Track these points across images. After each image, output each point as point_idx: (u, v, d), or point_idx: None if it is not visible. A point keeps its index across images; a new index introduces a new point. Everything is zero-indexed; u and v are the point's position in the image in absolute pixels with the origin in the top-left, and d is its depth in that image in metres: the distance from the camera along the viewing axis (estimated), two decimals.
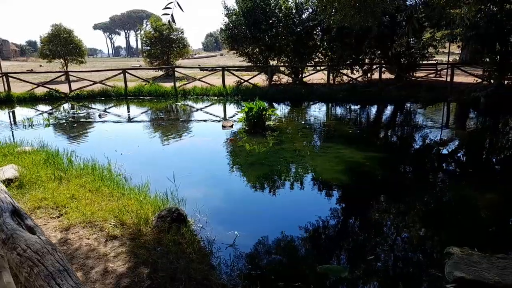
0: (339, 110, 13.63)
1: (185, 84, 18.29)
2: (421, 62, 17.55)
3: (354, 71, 18.04)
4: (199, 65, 32.15)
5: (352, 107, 13.95)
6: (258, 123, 9.38)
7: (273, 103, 14.30)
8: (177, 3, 2.56)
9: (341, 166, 6.43)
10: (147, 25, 32.83)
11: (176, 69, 19.58)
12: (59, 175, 5.25)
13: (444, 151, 7.83)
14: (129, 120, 12.16)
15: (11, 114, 13.60)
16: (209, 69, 23.58)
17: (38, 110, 14.03)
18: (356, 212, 4.78)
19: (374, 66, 17.92)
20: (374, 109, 13.73)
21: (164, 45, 25.63)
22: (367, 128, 10.46)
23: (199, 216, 4.23)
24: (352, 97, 14.98)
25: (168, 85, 18.06)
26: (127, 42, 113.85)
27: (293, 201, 5.08)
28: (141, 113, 13.67)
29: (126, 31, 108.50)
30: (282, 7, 16.65)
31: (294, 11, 16.93)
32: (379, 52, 17.56)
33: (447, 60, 21.12)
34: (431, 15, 11.67)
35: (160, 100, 16.38)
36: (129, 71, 18.66)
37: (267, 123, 9.77)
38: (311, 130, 9.90)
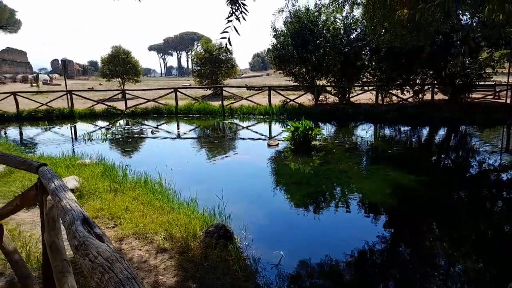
0: (388, 131, 13.23)
1: (232, 102, 18.76)
2: (477, 83, 16.64)
3: (405, 92, 17.50)
4: (246, 84, 32.88)
5: (402, 128, 13.48)
6: (303, 143, 9.36)
7: (319, 123, 14.21)
8: (234, 27, 2.70)
9: (389, 189, 6.21)
10: (197, 46, 34.33)
11: (224, 88, 20.18)
12: (114, 187, 5.57)
13: (504, 177, 7.30)
14: (179, 136, 12.65)
15: (73, 128, 14.70)
16: (256, 88, 24.02)
17: (97, 126, 15.04)
18: (405, 238, 4.57)
19: (426, 87, 17.28)
20: (425, 131, 13.16)
21: (214, 65, 26.57)
22: (418, 151, 10.03)
23: (244, 234, 4.27)
24: (402, 118, 14.49)
25: (216, 103, 18.62)
26: (179, 62, 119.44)
27: (338, 223, 4.98)
28: (190, 130, 14.18)
29: (178, 52, 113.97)
30: (330, 28, 16.70)
31: (342, 31, 16.90)
32: (432, 72, 16.94)
33: (507, 81, 19.84)
34: (489, 34, 11.12)
35: (208, 118, 16.90)
36: (180, 90, 19.54)
37: (313, 142, 9.72)
38: (358, 151, 9.69)
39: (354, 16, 16.34)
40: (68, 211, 1.54)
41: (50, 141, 11.60)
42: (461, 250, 4.14)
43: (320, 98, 17.96)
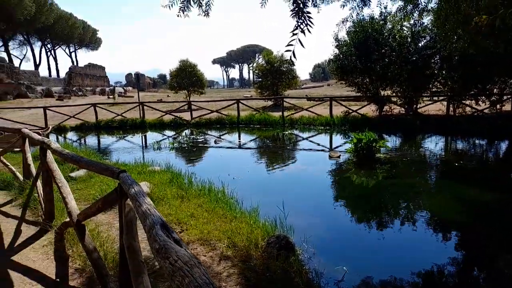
0: (460, 145, 12.29)
1: (292, 113, 18.78)
2: None
3: (480, 102, 16.15)
4: (306, 95, 32.75)
5: (477, 141, 12.44)
6: (367, 155, 9.05)
7: (383, 135, 13.63)
8: (299, 40, 2.73)
9: (461, 207, 5.75)
10: (259, 58, 35.03)
11: (284, 99, 20.31)
12: (181, 194, 5.85)
13: None
14: (240, 146, 12.95)
15: (143, 137, 15.76)
16: (316, 99, 23.84)
17: (165, 135, 15.96)
18: (480, 263, 4.18)
19: (505, 97, 15.79)
20: (504, 145, 11.99)
21: (275, 76, 26.89)
22: (496, 166, 9.17)
23: (306, 246, 4.22)
24: (476, 131, 13.37)
25: (276, 114, 18.78)
26: (240, 74, 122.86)
27: (404, 241, 4.71)
28: (251, 140, 14.44)
29: (240, 64, 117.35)
30: (397, 36, 16.06)
31: (409, 39, 16.16)
32: None
33: None
34: None
35: (268, 129, 17.08)
36: (242, 101, 20.05)
37: (377, 155, 9.35)
38: (426, 165, 9.13)
39: (423, 23, 15.56)
40: (148, 215, 1.67)
41: (124, 149, 12.57)
42: None
43: (384, 109, 17.27)
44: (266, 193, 6.81)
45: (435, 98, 17.24)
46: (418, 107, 17.27)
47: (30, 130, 6.31)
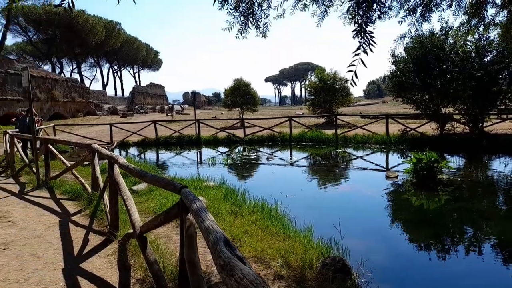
0: None
1: (346, 131, 18.40)
2: None
3: None
4: (360, 112, 31.97)
5: None
6: (427, 176, 8.55)
7: (445, 155, 12.85)
8: (361, 60, 2.71)
9: None
10: (312, 76, 35.02)
11: (337, 116, 20.00)
12: (235, 210, 5.94)
13: None
14: (292, 164, 12.90)
15: (198, 153, 16.32)
16: (371, 116, 23.16)
17: (219, 151, 16.40)
18: None
19: None
20: None
21: (327, 93, 26.64)
22: None
23: (363, 270, 4.06)
24: None
25: (329, 132, 18.51)
26: (292, 91, 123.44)
27: (470, 272, 4.35)
28: (303, 158, 14.34)
29: (292, 81, 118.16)
30: (459, 51, 15.22)
31: (473, 54, 15.24)
32: None
33: None
34: None
35: (321, 146, 16.86)
36: (294, 118, 20.08)
37: (439, 176, 8.82)
38: (495, 188, 8.42)
39: (489, 37, 14.63)
40: (211, 231, 1.72)
41: (181, 164, 13.10)
42: None
43: (446, 127, 16.28)
44: (320, 212, 6.68)
45: (504, 116, 15.96)
46: (484, 125, 16.08)
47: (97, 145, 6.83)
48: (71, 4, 2.93)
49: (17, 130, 12.66)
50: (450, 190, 7.90)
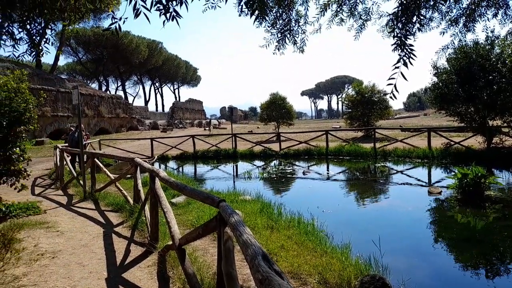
0: None
1: (385, 145, 17.87)
2: None
3: None
4: (400, 125, 30.99)
5: None
6: (474, 192, 8.10)
7: (493, 170, 12.12)
8: (401, 73, 2.67)
9: None
10: (349, 89, 34.54)
11: (376, 130, 19.51)
12: (271, 224, 5.93)
13: None
14: (329, 178, 12.70)
15: (235, 167, 16.50)
16: (412, 129, 22.38)
17: (255, 165, 16.48)
18: None
19: None
20: None
21: (366, 107, 26.13)
22: None
23: None
24: None
25: (367, 145, 18.07)
26: (329, 105, 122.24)
27: None
28: (340, 172, 14.07)
29: (328, 95, 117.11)
30: (507, 61, 14.46)
31: None
32: None
33: None
34: None
35: (358, 161, 16.48)
36: (330, 132, 19.82)
37: (486, 192, 8.33)
38: None
39: None
40: (249, 245, 1.75)
41: (217, 177, 13.30)
42: None
43: (494, 141, 15.38)
44: (358, 228, 6.51)
45: None
46: None
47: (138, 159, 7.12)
48: (118, 28, 3.15)
49: (67, 144, 13.49)
50: (499, 207, 7.42)
